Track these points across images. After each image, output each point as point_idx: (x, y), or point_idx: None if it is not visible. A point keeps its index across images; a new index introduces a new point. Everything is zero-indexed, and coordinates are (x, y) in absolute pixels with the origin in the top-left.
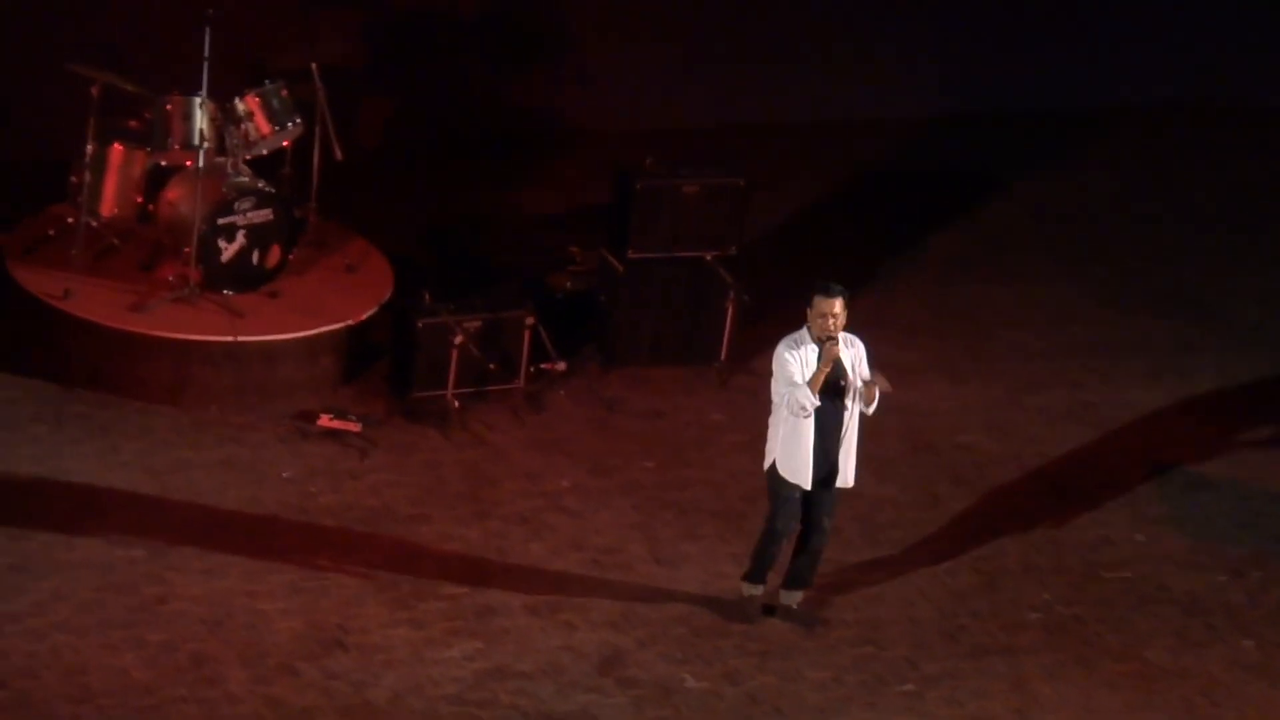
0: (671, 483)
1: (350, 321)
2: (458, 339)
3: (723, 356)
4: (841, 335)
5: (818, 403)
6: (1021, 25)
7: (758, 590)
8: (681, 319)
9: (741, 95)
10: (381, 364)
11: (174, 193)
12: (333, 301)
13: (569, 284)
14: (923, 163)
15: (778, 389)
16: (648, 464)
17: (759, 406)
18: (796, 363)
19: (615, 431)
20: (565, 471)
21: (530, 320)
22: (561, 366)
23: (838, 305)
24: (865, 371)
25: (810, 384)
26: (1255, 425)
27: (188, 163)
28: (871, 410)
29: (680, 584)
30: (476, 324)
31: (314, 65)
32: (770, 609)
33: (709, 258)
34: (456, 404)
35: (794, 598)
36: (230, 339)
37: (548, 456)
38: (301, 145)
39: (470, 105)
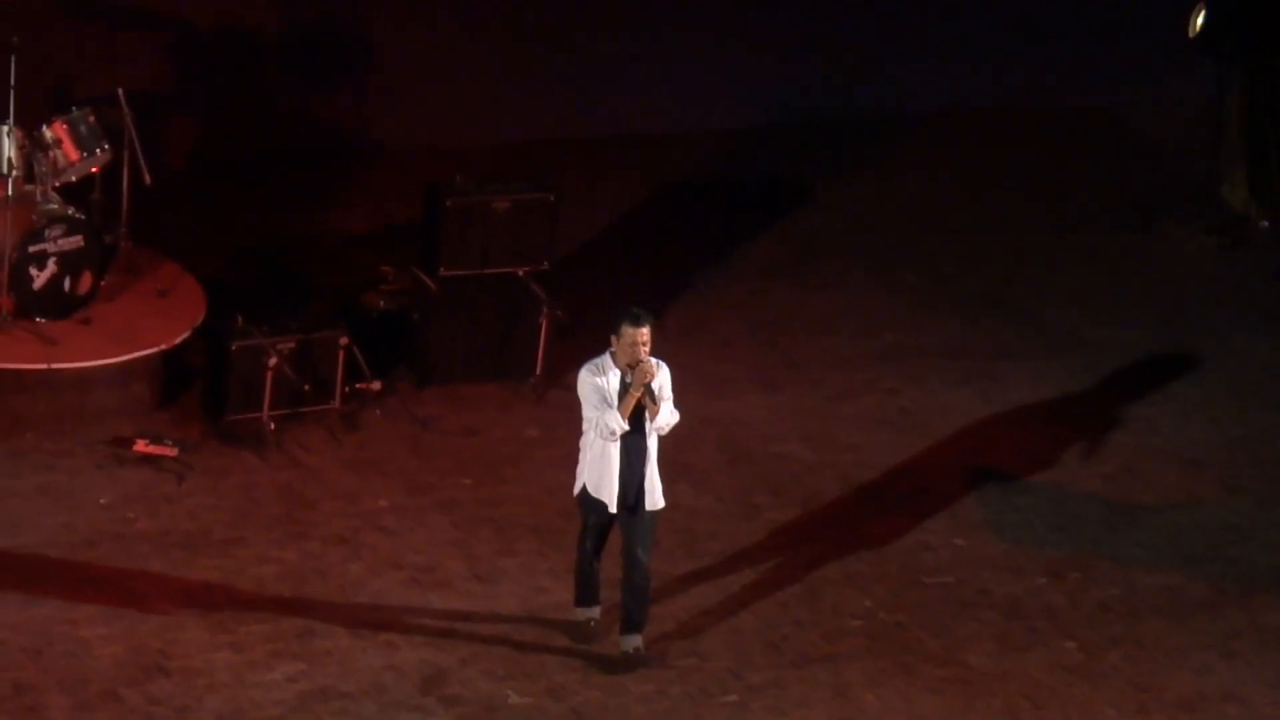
0: (488, 499)
1: (163, 346)
2: (272, 361)
3: (537, 372)
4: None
5: (626, 427)
6: (828, 33)
7: (593, 612)
8: (495, 335)
9: (551, 110)
10: (196, 387)
11: None
12: (146, 327)
13: (382, 303)
14: (732, 173)
15: (587, 414)
16: (464, 481)
17: (575, 422)
18: (600, 387)
19: (431, 450)
20: (382, 491)
21: (344, 340)
22: (376, 386)
23: (645, 333)
24: (668, 394)
25: (620, 409)
26: (1070, 428)
27: None
28: (665, 431)
29: (500, 600)
30: (290, 345)
31: (120, 90)
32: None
33: (521, 273)
34: (272, 426)
35: (631, 642)
36: (44, 366)
37: (364, 476)
38: (111, 171)
39: (277, 125)
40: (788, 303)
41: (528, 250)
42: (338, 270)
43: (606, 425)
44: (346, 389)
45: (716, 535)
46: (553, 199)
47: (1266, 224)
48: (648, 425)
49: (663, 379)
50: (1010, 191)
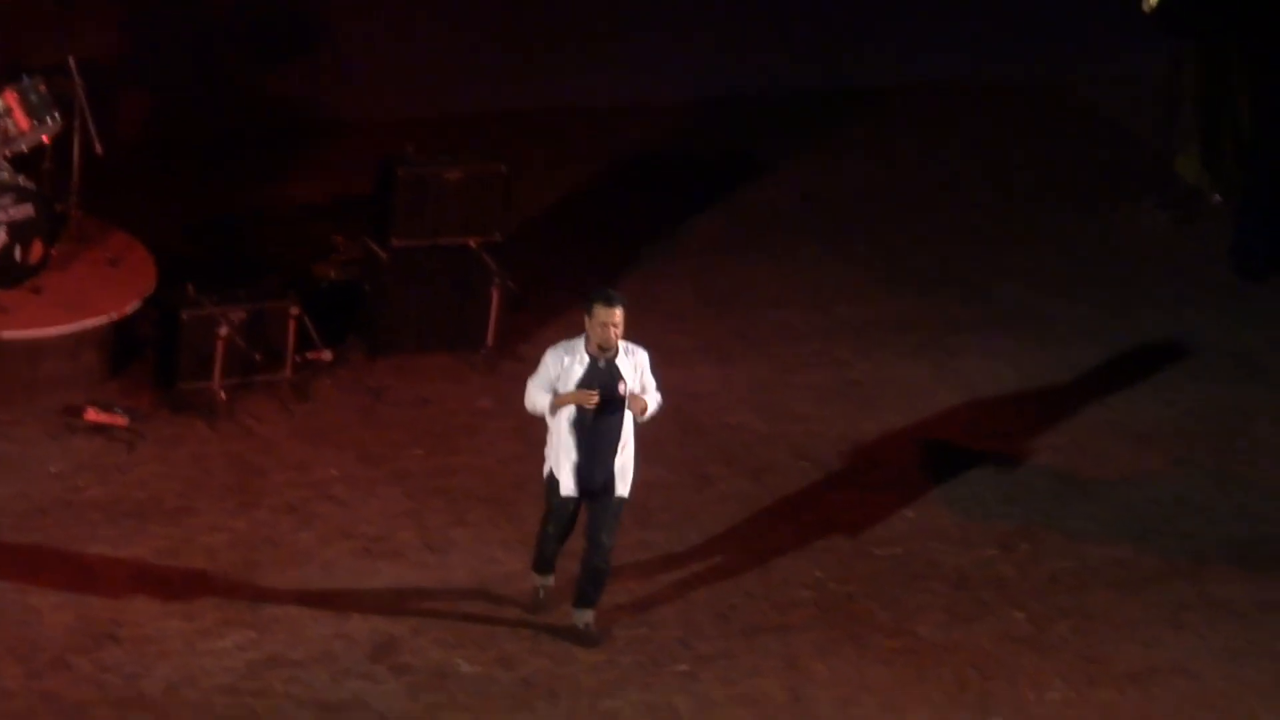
0: (440, 470)
1: (114, 315)
2: (222, 330)
3: (489, 343)
4: (625, 346)
5: (549, 415)
6: (782, 6)
7: (547, 581)
8: (447, 306)
9: (503, 83)
10: (147, 357)
11: None
12: (96, 296)
13: (333, 273)
14: (683, 147)
15: (529, 381)
16: (416, 451)
17: (525, 393)
18: (556, 370)
19: (383, 420)
20: (333, 461)
21: (295, 310)
22: (327, 356)
23: (618, 314)
24: (650, 380)
25: (560, 397)
26: (1020, 401)
27: None
28: (644, 419)
29: (451, 570)
30: (241, 315)
31: (71, 60)
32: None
33: (473, 244)
34: (223, 395)
35: (583, 617)
36: None
37: (315, 446)
38: (61, 140)
39: (230, 97)
40: (739, 276)
41: (479, 221)
42: (290, 241)
43: (531, 397)
44: (298, 359)
45: (668, 506)
46: (505, 170)
47: (1219, 199)
48: (623, 410)
49: (636, 365)
50: (961, 167)
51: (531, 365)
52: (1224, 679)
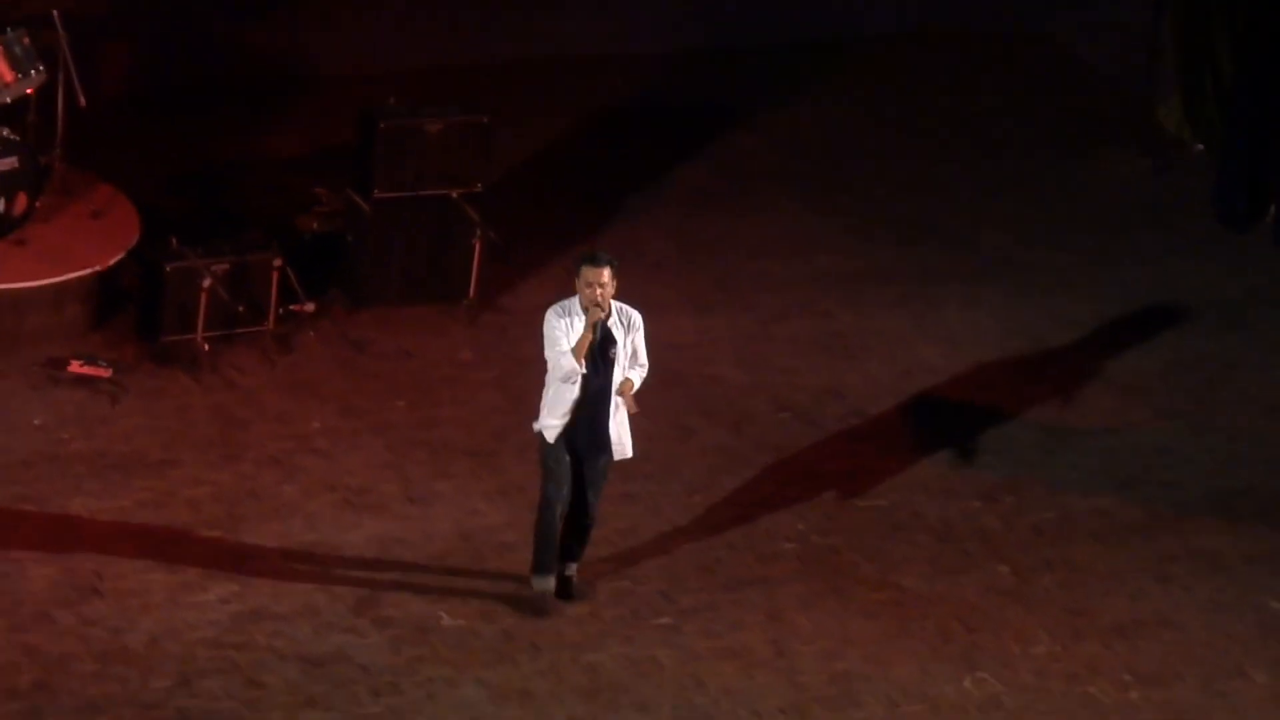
0: (422, 422)
1: (98, 267)
2: (206, 282)
3: (471, 294)
4: (618, 308)
5: (582, 369)
6: None
7: (548, 584)
8: (429, 258)
9: (483, 33)
10: (130, 309)
11: None
12: (80, 248)
13: (315, 225)
14: (665, 97)
15: (547, 354)
16: (398, 403)
17: (508, 344)
18: (563, 329)
19: (365, 372)
20: (316, 413)
21: (277, 262)
22: (310, 308)
23: (605, 274)
24: (641, 346)
25: (575, 350)
26: (1003, 352)
27: None
28: (627, 397)
29: (434, 523)
30: (224, 267)
31: (55, 11)
32: (566, 592)
33: (455, 195)
34: (206, 347)
35: (567, 568)
36: None
37: (298, 398)
38: (45, 93)
39: (212, 50)
40: (720, 227)
41: (461, 173)
42: (272, 194)
43: (561, 366)
44: (280, 311)
45: (649, 457)
46: (486, 121)
47: (1200, 147)
48: (615, 372)
49: (632, 328)
50: (942, 116)
51: (513, 316)
52: (1209, 630)
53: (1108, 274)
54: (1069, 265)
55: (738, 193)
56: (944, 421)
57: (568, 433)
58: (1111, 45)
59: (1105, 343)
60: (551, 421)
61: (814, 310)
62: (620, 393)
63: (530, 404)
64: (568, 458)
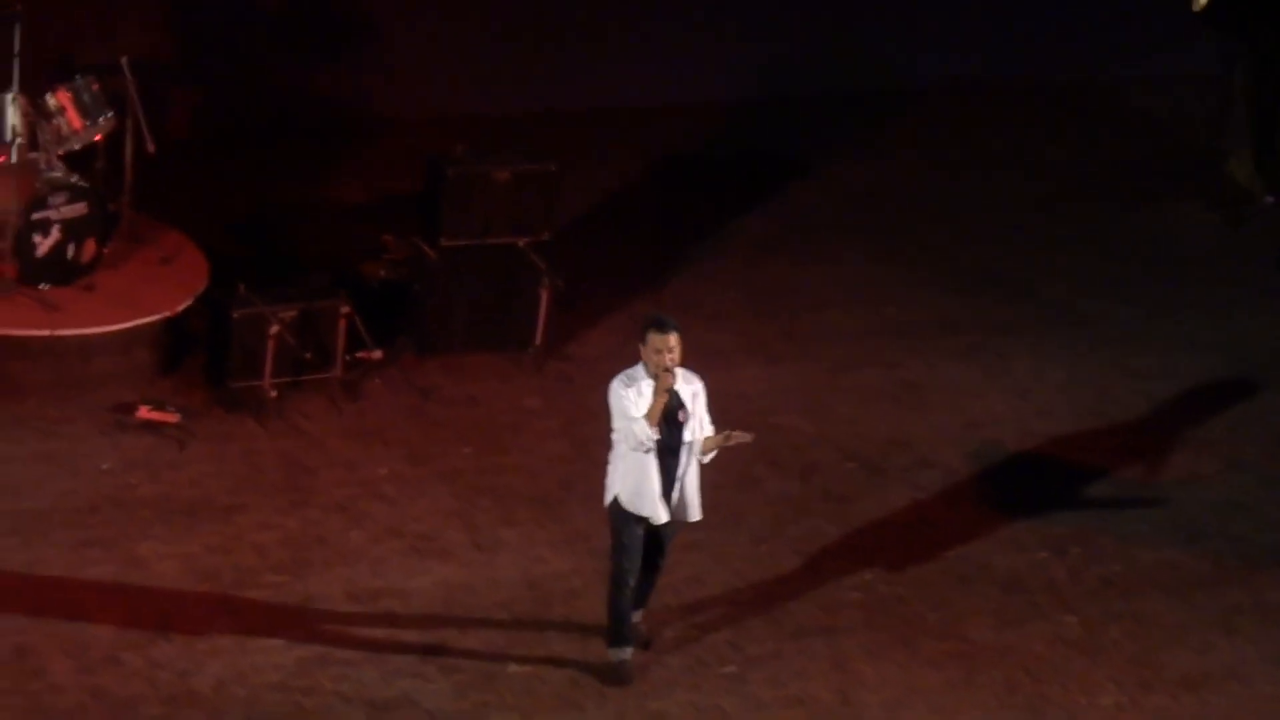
0: (488, 469)
1: (166, 313)
2: (273, 329)
3: (537, 342)
4: (681, 371)
5: (657, 435)
6: (825, 6)
7: (626, 654)
8: (495, 305)
9: (550, 82)
10: (198, 355)
11: None
12: (148, 294)
13: (383, 272)
14: (730, 147)
15: (616, 424)
16: (464, 450)
17: (574, 392)
18: (631, 398)
19: (431, 419)
20: (382, 459)
21: (345, 309)
22: (377, 355)
23: (673, 340)
24: (704, 411)
25: (648, 417)
26: (1070, 403)
27: (0, 158)
28: (707, 460)
29: (500, 569)
30: (292, 314)
31: (124, 59)
32: (644, 643)
33: (522, 243)
34: (274, 393)
35: (634, 615)
36: (46, 333)
37: (365, 445)
38: (114, 139)
39: (279, 95)
40: (784, 277)
41: (528, 221)
42: (338, 240)
43: (636, 436)
44: (348, 358)
45: (715, 507)
46: (554, 170)
47: (1271, 200)
48: (684, 435)
49: (694, 393)
50: (1005, 167)
51: (579, 364)
52: (1276, 684)
53: (1174, 326)
54: (1135, 317)
55: (800, 242)
56: (1011, 473)
57: (650, 503)
58: (1177, 96)
59: (1172, 395)
60: (634, 493)
61: (880, 360)
62: (706, 450)
63: (595, 452)
64: (641, 529)
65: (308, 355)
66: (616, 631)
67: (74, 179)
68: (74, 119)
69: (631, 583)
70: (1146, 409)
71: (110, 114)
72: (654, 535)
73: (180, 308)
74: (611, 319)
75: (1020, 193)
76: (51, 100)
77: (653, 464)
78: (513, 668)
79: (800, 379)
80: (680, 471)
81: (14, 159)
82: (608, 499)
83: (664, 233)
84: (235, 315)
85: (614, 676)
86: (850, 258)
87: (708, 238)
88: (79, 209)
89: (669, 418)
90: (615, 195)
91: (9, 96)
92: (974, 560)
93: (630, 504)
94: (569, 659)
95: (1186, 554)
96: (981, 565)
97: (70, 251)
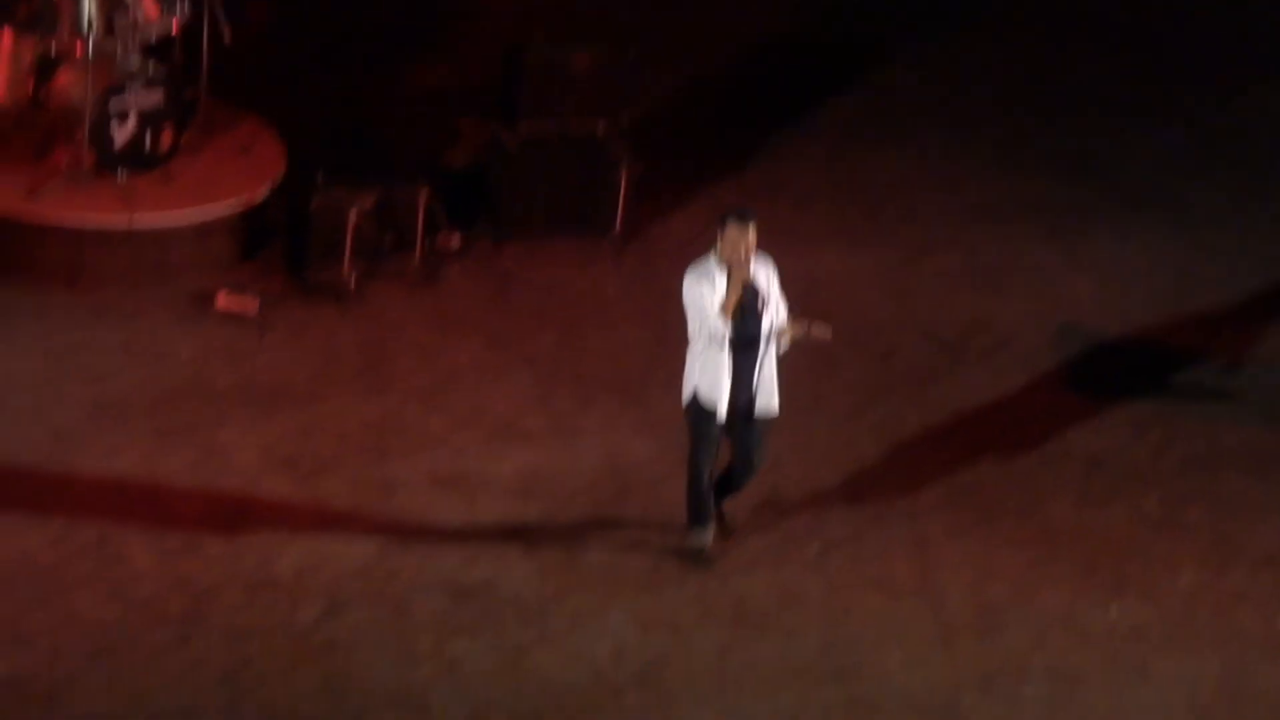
0: (568, 355)
1: (245, 202)
2: (352, 217)
3: (616, 228)
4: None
5: (728, 328)
6: None
7: (706, 537)
8: (574, 191)
9: None
10: (277, 244)
11: (65, 78)
12: (226, 182)
13: (461, 159)
14: (812, 31)
15: (692, 318)
16: (544, 336)
17: (654, 277)
18: (705, 291)
19: (511, 305)
20: (462, 346)
21: (424, 195)
22: (456, 241)
23: (750, 232)
24: (777, 291)
25: (723, 309)
26: (1152, 285)
27: (77, 48)
28: (784, 349)
29: (581, 455)
30: (370, 201)
31: None
32: (724, 529)
33: (601, 129)
34: (353, 281)
35: (720, 503)
36: (125, 222)
37: (444, 331)
38: (190, 30)
39: None
40: (868, 160)
41: (607, 106)
42: (417, 127)
43: (711, 327)
44: (427, 244)
45: (796, 391)
46: (632, 55)
47: None
48: (763, 330)
49: (768, 275)
50: (1089, 47)
51: (659, 249)
52: None
53: (1260, 207)
54: (1221, 199)
55: (885, 126)
56: (1091, 354)
57: (721, 393)
58: None
59: (1256, 275)
60: (707, 385)
61: (961, 243)
62: (784, 338)
63: (675, 338)
64: (719, 422)
65: (387, 243)
66: (695, 514)
67: (151, 68)
68: (150, 9)
69: (708, 476)
70: (1229, 291)
71: (187, 4)
72: (739, 435)
73: (258, 196)
74: (692, 204)
75: (1108, 73)
76: None
77: (726, 357)
78: (593, 552)
79: (881, 262)
80: (760, 363)
81: (91, 49)
82: (686, 394)
83: (745, 117)
84: (314, 204)
85: (694, 559)
86: (932, 141)
87: (790, 123)
88: (156, 98)
89: (746, 308)
90: (694, 80)
91: None
92: (1055, 441)
93: (708, 399)
94: (649, 543)
95: (1267, 433)
96: (1062, 446)
97: (148, 140)
